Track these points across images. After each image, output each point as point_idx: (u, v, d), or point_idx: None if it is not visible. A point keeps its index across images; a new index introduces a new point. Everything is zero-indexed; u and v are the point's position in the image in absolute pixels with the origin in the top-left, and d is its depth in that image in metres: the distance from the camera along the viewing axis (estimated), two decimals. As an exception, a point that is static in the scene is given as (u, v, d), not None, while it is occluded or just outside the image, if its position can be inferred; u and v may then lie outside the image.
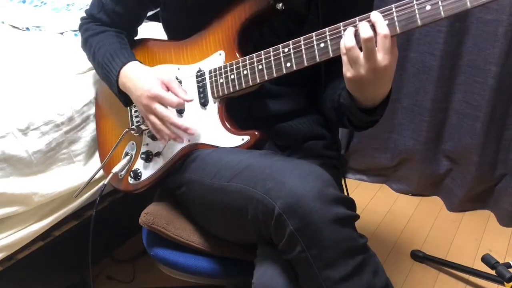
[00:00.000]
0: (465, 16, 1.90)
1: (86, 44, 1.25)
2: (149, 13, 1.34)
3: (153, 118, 1.07)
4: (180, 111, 1.14)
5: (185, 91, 1.09)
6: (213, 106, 1.10)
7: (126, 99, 1.15)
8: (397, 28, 0.84)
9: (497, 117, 1.97)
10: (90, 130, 1.32)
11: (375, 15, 0.85)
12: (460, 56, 1.97)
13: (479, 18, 1.87)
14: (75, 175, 1.27)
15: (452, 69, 1.99)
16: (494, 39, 1.85)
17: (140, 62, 1.15)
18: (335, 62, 0.92)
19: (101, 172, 1.27)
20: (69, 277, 1.47)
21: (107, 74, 1.16)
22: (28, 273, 1.30)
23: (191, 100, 1.08)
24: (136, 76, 1.10)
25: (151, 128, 1.11)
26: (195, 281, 1.14)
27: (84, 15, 1.29)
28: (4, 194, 1.11)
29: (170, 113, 1.05)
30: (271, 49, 0.99)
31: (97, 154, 1.33)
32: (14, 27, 1.77)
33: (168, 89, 1.07)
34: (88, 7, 1.28)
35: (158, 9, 1.25)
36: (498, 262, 1.56)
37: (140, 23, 1.29)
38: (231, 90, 1.06)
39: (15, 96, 1.25)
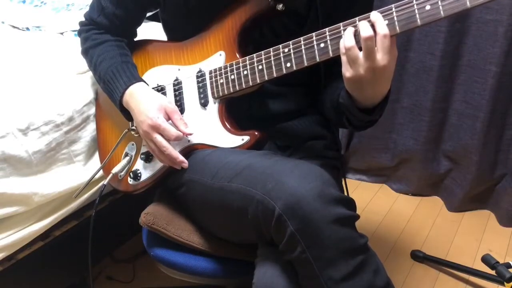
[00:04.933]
0: (465, 16, 1.90)
1: (87, 55, 1.25)
2: (149, 14, 1.34)
3: (151, 144, 1.09)
4: (181, 112, 1.14)
5: (185, 123, 1.09)
6: (213, 107, 1.10)
7: (128, 116, 1.16)
8: (397, 28, 0.84)
9: (497, 117, 1.97)
10: (90, 130, 1.32)
11: (375, 15, 0.85)
12: (460, 56, 1.97)
13: (479, 18, 1.87)
14: (75, 175, 1.27)
15: (452, 69, 1.99)
16: (494, 39, 1.85)
17: (144, 82, 1.15)
18: (335, 64, 0.92)
19: (101, 172, 1.27)
20: (69, 277, 1.47)
21: (110, 91, 1.16)
22: (28, 273, 1.30)
23: (190, 134, 1.09)
24: (140, 99, 1.10)
25: (150, 151, 1.13)
26: (195, 281, 1.13)
27: (83, 19, 1.28)
28: (4, 194, 1.11)
29: (167, 145, 1.07)
30: (271, 49, 0.99)
31: (97, 154, 1.33)
32: (14, 27, 1.76)
33: (169, 118, 1.09)
34: (87, 10, 1.27)
35: (158, 9, 1.25)
36: (498, 262, 1.56)
37: (139, 25, 1.29)
38: (231, 90, 1.06)
39: (15, 96, 1.25)
